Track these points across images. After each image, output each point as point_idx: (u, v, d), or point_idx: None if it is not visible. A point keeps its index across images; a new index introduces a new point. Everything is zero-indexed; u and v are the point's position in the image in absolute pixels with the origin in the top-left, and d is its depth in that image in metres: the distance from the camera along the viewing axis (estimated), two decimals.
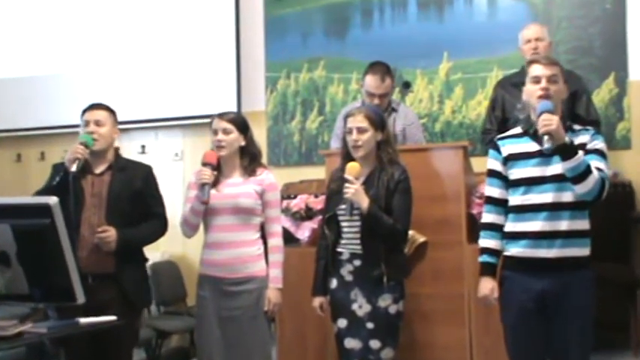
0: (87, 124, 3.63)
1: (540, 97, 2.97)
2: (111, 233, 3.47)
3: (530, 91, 3.03)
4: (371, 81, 4.41)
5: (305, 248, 4.14)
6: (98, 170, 3.63)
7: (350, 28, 5.87)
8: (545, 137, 2.85)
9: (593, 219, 3.03)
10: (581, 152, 2.88)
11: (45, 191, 3.50)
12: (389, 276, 3.35)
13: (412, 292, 3.58)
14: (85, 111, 3.70)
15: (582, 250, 2.98)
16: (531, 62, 3.11)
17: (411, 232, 3.66)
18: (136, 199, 3.62)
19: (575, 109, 4.30)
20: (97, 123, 3.62)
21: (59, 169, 3.59)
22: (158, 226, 3.73)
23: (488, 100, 4.79)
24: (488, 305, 3.17)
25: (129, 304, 3.53)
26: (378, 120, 3.48)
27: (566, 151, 2.86)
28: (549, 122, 2.84)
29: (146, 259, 3.82)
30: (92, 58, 6.52)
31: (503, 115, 4.46)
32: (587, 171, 2.87)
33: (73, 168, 3.43)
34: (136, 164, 3.86)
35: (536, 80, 3.00)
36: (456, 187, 3.92)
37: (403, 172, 3.42)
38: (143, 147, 6.47)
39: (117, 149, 3.75)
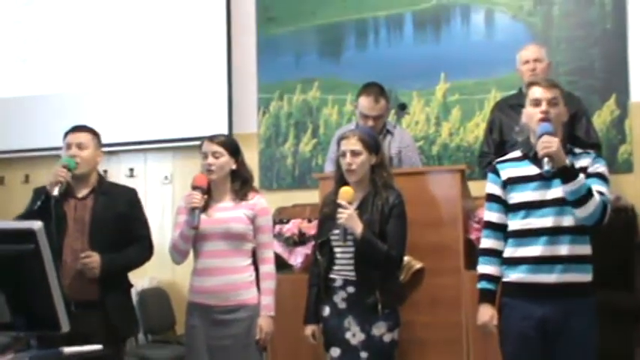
0: (69, 147, 3.64)
1: (541, 120, 2.99)
2: (94, 259, 3.47)
3: (530, 114, 3.05)
4: (365, 102, 4.43)
5: (298, 275, 4.14)
6: (81, 194, 3.64)
7: (345, 48, 5.89)
8: (545, 160, 2.88)
9: (594, 244, 3.04)
10: (582, 175, 2.91)
11: (26, 216, 3.49)
12: (383, 303, 3.35)
13: (408, 320, 3.58)
14: (67, 133, 3.70)
15: (584, 276, 3.00)
16: (531, 84, 3.14)
17: (407, 259, 3.67)
18: (120, 223, 3.63)
19: (575, 131, 4.31)
20: (80, 146, 3.63)
21: (40, 193, 3.58)
22: (143, 250, 3.74)
23: (486, 122, 4.80)
24: (488, 333, 3.16)
25: (113, 333, 3.51)
26: (373, 143, 3.49)
27: (567, 174, 2.89)
28: (549, 144, 2.87)
29: (131, 286, 3.81)
30: (79, 78, 6.53)
31: (500, 138, 4.47)
32: (588, 194, 2.89)
33: (55, 192, 3.43)
34: (120, 188, 3.87)
35: (536, 103, 3.04)
36: (454, 211, 3.93)
37: (398, 197, 3.43)
38: (131, 170, 6.47)
39: (99, 173, 3.76)
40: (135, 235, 3.70)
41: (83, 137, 3.67)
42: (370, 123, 4.40)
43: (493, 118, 4.61)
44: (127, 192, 3.80)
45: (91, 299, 3.46)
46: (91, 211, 3.59)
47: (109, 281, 3.53)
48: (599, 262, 3.04)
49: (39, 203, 3.51)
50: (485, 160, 4.39)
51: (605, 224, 2.97)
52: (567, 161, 2.91)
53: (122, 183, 5.63)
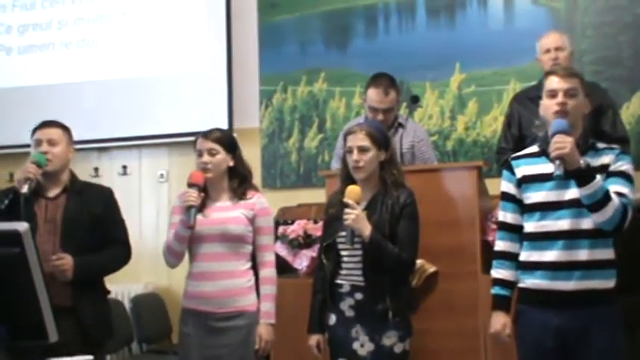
0: (39, 143, 3.63)
1: (556, 112, 2.97)
2: (66, 261, 3.46)
3: (546, 106, 3.04)
4: (374, 95, 4.43)
5: (303, 279, 4.14)
6: (52, 194, 3.64)
7: (352, 36, 5.90)
8: (557, 162, 2.83)
9: (618, 248, 3.01)
10: (599, 177, 2.87)
11: None
12: (394, 311, 3.33)
13: (422, 328, 3.57)
14: (36, 129, 3.70)
15: (605, 283, 2.96)
16: (548, 74, 3.11)
17: (419, 262, 3.67)
18: (95, 225, 3.63)
19: (601, 125, 4.30)
20: (51, 142, 3.63)
21: (8, 193, 3.56)
22: (120, 253, 3.75)
23: (504, 115, 4.80)
24: (501, 342, 3.16)
25: (89, 340, 3.51)
26: (382, 138, 3.48)
27: (581, 177, 2.85)
28: (562, 145, 2.83)
29: (108, 292, 3.81)
30: (68, 69, 6.56)
31: (519, 133, 4.46)
32: (606, 198, 2.85)
33: (24, 189, 3.43)
34: (95, 187, 3.88)
35: (553, 94, 3.01)
36: (470, 211, 3.93)
37: (410, 196, 3.41)
38: (125, 168, 6.50)
39: (72, 171, 3.74)
40: (111, 238, 3.71)
41: (54, 133, 3.66)
42: (380, 117, 4.40)
43: (512, 111, 4.59)
44: (101, 191, 3.81)
45: (63, 305, 3.38)
46: (63, 211, 3.59)
47: (83, 286, 3.52)
48: (623, 267, 3.01)
49: (6, 202, 3.49)
50: (503, 156, 4.38)
51: (630, 226, 2.94)
52: (582, 162, 2.86)
53: (115, 181, 5.67)
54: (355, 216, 3.29)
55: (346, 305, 3.43)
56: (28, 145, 6.02)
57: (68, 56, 6.59)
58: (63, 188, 3.66)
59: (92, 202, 3.67)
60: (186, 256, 3.61)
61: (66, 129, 3.74)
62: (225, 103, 6.09)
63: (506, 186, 3.17)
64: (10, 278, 2.61)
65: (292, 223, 4.34)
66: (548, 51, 4.41)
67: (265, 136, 6.12)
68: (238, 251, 3.54)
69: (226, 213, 3.54)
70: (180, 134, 6.10)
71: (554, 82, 3.03)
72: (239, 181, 3.61)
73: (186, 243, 3.53)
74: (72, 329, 3.42)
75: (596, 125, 4.22)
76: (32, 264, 2.60)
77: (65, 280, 3.47)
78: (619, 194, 2.89)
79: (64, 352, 2.90)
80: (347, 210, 3.31)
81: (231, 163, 3.59)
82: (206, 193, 3.57)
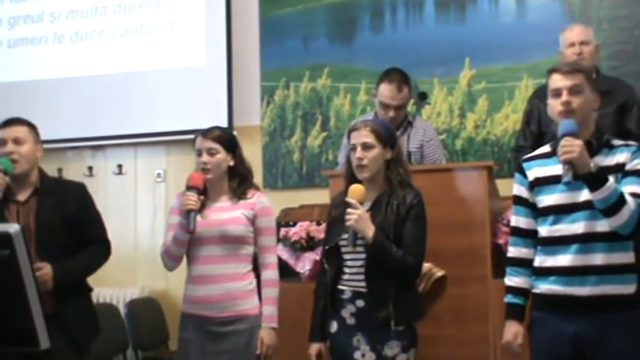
0: (4, 143, 3.57)
1: (561, 112, 2.94)
2: (46, 271, 3.41)
3: (552, 106, 3.01)
4: (386, 90, 4.44)
5: (305, 283, 4.15)
6: (22, 197, 3.59)
7: (358, 30, 5.89)
8: (565, 167, 2.81)
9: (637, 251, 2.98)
10: (611, 180, 2.83)
11: None
12: (397, 319, 3.26)
13: (429, 335, 3.55)
14: None
15: (624, 288, 2.92)
16: (550, 72, 3.06)
17: (427, 266, 3.65)
18: (71, 225, 3.60)
19: (625, 123, 4.26)
20: (17, 141, 3.57)
21: None
22: (99, 252, 3.74)
23: (523, 112, 4.76)
24: (512, 353, 3.15)
25: (75, 345, 3.51)
26: (387, 135, 3.44)
27: (592, 181, 2.82)
28: (570, 149, 2.80)
29: (90, 289, 3.79)
30: (60, 64, 6.56)
31: (539, 130, 4.41)
32: (620, 201, 2.82)
33: None
34: (67, 184, 3.86)
35: (557, 93, 2.97)
36: (480, 213, 3.93)
37: (416, 196, 3.37)
38: (120, 167, 6.50)
39: (41, 170, 3.69)
40: (88, 237, 3.68)
41: (19, 131, 3.60)
42: (391, 113, 4.41)
43: (531, 107, 4.53)
44: (74, 189, 3.76)
45: (47, 312, 3.23)
46: (35, 215, 3.54)
47: (63, 291, 3.49)
48: None
49: None
50: (521, 154, 4.34)
51: None
52: (592, 165, 2.81)
53: (110, 181, 5.64)
54: (357, 216, 3.23)
55: (347, 312, 3.38)
56: None
57: (61, 50, 6.59)
58: (33, 190, 3.61)
59: (65, 203, 3.62)
60: (185, 259, 3.61)
61: (32, 126, 3.67)
62: (225, 99, 6.08)
63: (518, 189, 3.14)
64: None
65: (294, 224, 4.35)
66: (572, 45, 4.36)
67: (266, 134, 6.12)
68: (238, 253, 3.53)
69: (226, 213, 3.54)
70: (178, 132, 6.09)
71: (556, 81, 2.99)
72: (239, 180, 3.60)
73: (185, 247, 3.53)
74: (56, 335, 3.32)
75: (621, 123, 4.19)
76: (23, 267, 2.60)
77: (46, 290, 3.39)
78: (636, 195, 2.86)
79: (51, 358, 2.89)
80: (349, 210, 3.26)
81: (232, 163, 3.58)
82: (205, 193, 3.56)
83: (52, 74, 6.56)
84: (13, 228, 2.61)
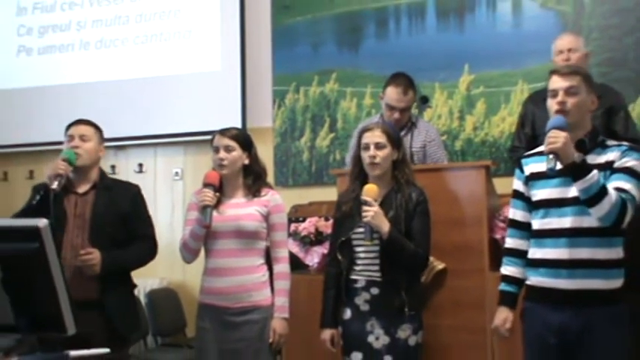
0: (71, 138, 3.69)
1: (556, 112, 2.93)
2: (95, 255, 3.48)
3: (549, 106, 3.00)
4: (393, 93, 4.44)
5: (314, 275, 4.15)
6: (81, 190, 3.67)
7: (364, 38, 5.89)
8: (549, 156, 2.80)
9: (629, 245, 2.96)
10: (594, 172, 2.81)
11: (24, 212, 3.52)
12: (410, 305, 3.35)
13: (430, 324, 3.57)
14: (69, 126, 3.75)
15: (610, 283, 2.90)
16: (550, 73, 3.07)
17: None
18: (123, 221, 3.66)
19: (612, 126, 4.26)
20: (82, 137, 3.68)
21: (39, 189, 3.61)
22: (147, 248, 3.76)
23: (518, 115, 4.75)
24: (501, 336, 3.17)
25: (115, 334, 3.52)
26: (396, 137, 3.52)
27: (575, 172, 2.80)
28: (555, 140, 2.79)
29: (135, 286, 3.83)
30: (86, 69, 6.59)
31: (533, 132, 4.41)
32: (602, 193, 2.79)
33: (54, 185, 3.46)
34: (123, 184, 3.90)
35: (554, 93, 2.97)
36: (478, 210, 3.92)
37: (422, 194, 3.45)
38: (141, 165, 6.51)
39: (101, 169, 3.80)
40: (138, 234, 3.73)
41: (86, 130, 3.72)
42: (396, 115, 4.41)
43: (525, 110, 4.53)
44: (130, 188, 3.83)
45: (90, 298, 3.43)
46: (91, 207, 3.62)
47: (109, 280, 3.54)
48: (634, 265, 2.96)
49: (38, 198, 3.53)
50: (516, 154, 4.36)
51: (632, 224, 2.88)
52: (577, 157, 2.80)
53: (131, 179, 5.68)
54: (374, 213, 3.30)
55: (361, 300, 3.44)
56: (47, 144, 6.08)
57: (86, 57, 6.61)
58: (92, 184, 3.69)
59: (120, 199, 3.69)
60: (202, 252, 3.61)
61: (98, 128, 3.79)
62: (239, 102, 6.09)
63: (517, 184, 3.15)
64: (29, 273, 2.61)
65: (304, 220, 4.35)
66: (561, 52, 4.35)
67: (278, 135, 6.12)
68: (252, 247, 3.53)
69: (241, 209, 3.54)
70: (195, 133, 6.12)
71: (554, 82, 2.99)
72: (253, 178, 3.61)
73: (202, 240, 3.54)
74: (98, 322, 3.44)
75: (608, 125, 4.19)
76: (51, 259, 2.59)
77: (93, 274, 3.49)
78: (620, 190, 2.82)
79: (90, 344, 2.90)
80: (365, 207, 3.32)
81: (247, 161, 3.59)
82: (221, 190, 3.57)
83: (78, 79, 6.58)
84: (41, 222, 2.60)
